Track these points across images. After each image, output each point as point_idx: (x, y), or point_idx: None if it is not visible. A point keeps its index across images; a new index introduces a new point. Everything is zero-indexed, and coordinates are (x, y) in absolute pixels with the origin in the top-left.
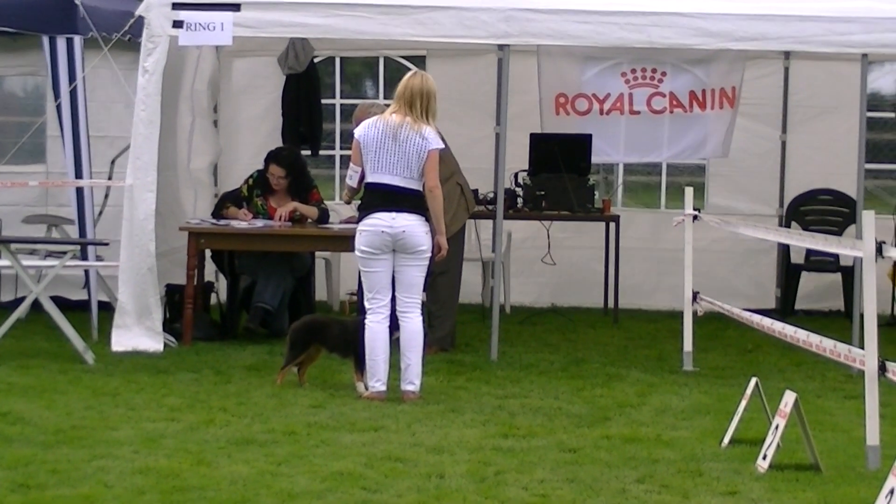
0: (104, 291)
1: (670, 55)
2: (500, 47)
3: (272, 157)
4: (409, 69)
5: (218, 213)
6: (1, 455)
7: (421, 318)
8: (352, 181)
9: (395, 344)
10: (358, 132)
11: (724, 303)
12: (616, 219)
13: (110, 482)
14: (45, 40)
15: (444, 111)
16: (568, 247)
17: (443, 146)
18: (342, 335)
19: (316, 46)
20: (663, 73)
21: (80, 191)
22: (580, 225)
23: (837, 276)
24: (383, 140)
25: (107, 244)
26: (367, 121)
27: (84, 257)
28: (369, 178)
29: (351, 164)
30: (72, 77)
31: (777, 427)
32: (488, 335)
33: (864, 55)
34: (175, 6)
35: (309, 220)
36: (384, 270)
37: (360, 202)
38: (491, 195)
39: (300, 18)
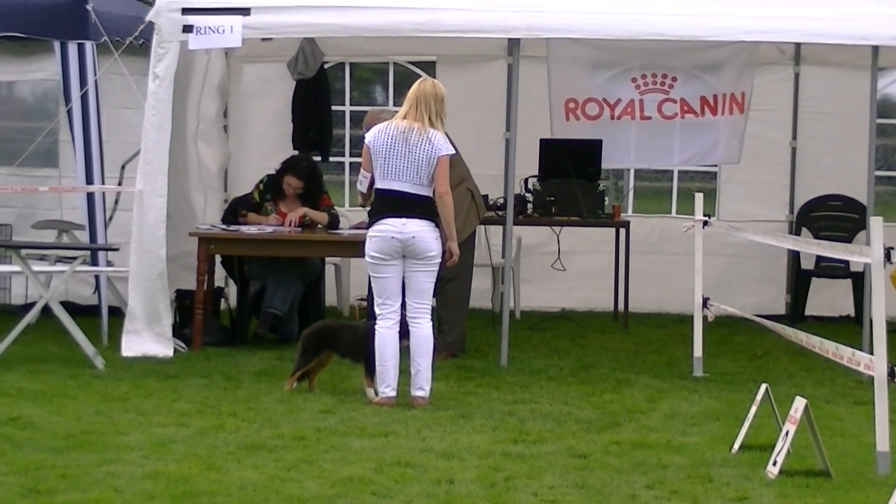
0: (114, 296)
1: (680, 60)
2: (510, 52)
3: (290, 168)
4: (419, 75)
5: (231, 218)
6: (11, 460)
7: (431, 324)
8: (362, 186)
9: (405, 350)
10: (368, 138)
11: (734, 309)
12: (626, 224)
13: (120, 487)
14: (57, 45)
15: (454, 117)
16: (578, 252)
17: (453, 152)
18: (354, 340)
19: (326, 52)
20: (674, 79)
21: (90, 196)
22: (590, 230)
23: (848, 282)
24: (393, 145)
25: (117, 249)
26: (377, 126)
27: (94, 262)
28: (379, 185)
29: (361, 170)
30: (83, 82)
31: (787, 433)
32: (498, 341)
33: (875, 47)
34: (185, 11)
35: (319, 226)
36: (394, 276)
37: (370, 208)
38: (501, 201)
39: (309, 20)
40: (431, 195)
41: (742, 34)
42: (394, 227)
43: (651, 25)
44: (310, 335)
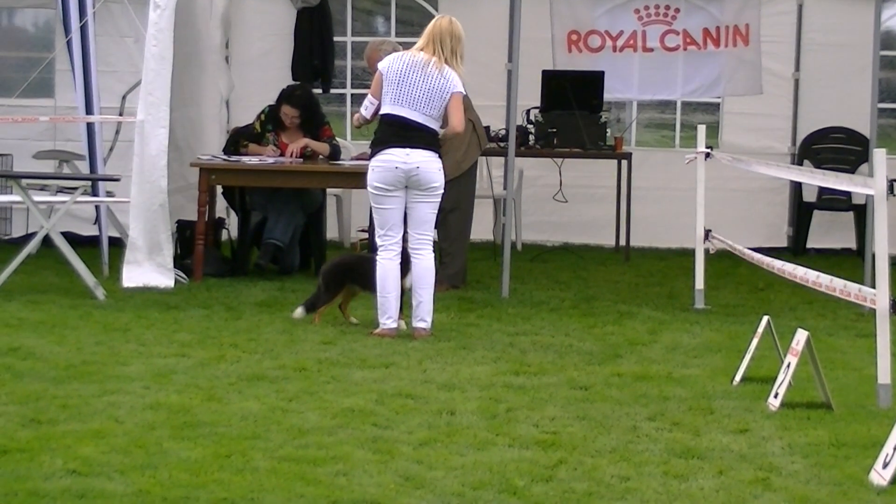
0: (115, 227)
1: None
2: None
3: (285, 98)
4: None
5: (233, 149)
6: (12, 390)
7: (432, 255)
8: (366, 112)
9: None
10: (382, 65)
11: (737, 241)
12: (628, 156)
13: (121, 417)
14: None
15: None
16: (580, 185)
17: (465, 93)
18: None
19: None
20: (676, 10)
21: (90, 126)
22: (592, 162)
23: (850, 215)
24: (408, 73)
25: (118, 179)
26: (394, 54)
27: (95, 193)
28: (386, 109)
29: (369, 96)
30: (82, 11)
31: (788, 365)
32: (499, 272)
33: None
34: None
35: (320, 157)
36: (397, 207)
37: (373, 137)
38: (503, 132)
39: None
40: (436, 128)
41: None
42: (397, 158)
43: None
44: (331, 271)
